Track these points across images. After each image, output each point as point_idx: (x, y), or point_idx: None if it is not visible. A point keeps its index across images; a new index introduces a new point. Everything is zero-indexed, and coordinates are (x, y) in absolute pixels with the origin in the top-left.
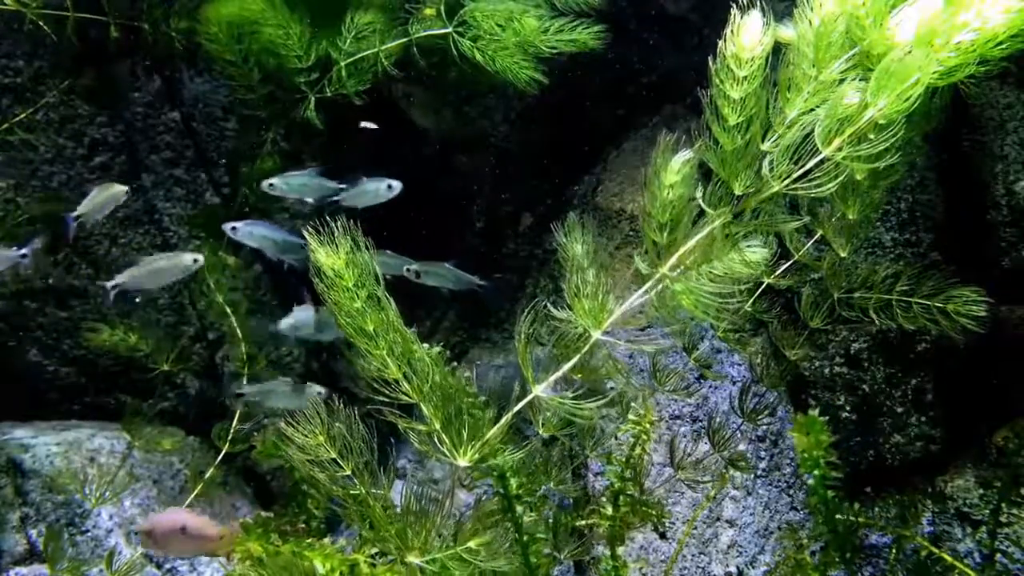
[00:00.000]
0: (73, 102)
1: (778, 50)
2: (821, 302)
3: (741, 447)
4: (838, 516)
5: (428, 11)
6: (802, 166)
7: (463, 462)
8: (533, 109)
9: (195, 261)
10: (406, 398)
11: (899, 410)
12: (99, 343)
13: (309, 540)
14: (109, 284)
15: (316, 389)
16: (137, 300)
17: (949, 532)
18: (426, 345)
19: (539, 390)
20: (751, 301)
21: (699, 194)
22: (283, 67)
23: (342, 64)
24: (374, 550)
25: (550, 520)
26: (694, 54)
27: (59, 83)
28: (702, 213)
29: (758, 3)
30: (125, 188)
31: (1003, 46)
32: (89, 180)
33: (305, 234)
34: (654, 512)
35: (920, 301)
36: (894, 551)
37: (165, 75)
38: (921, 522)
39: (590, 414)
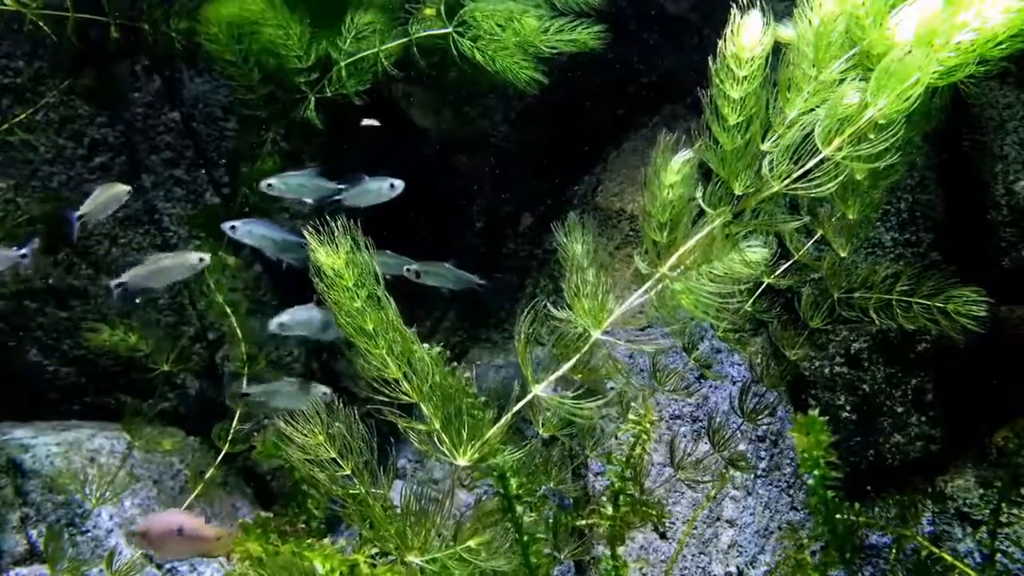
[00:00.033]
0: (73, 102)
1: (778, 50)
2: (821, 302)
3: (741, 447)
4: (838, 516)
5: (428, 11)
6: (802, 166)
7: (463, 462)
8: (533, 109)
9: (200, 260)
10: (406, 398)
11: (899, 410)
12: (99, 343)
13: (309, 540)
14: (114, 283)
15: (321, 389)
16: (137, 300)
17: (949, 532)
18: (426, 345)
19: (539, 390)
20: (751, 301)
21: (699, 194)
22: (283, 67)
23: (342, 64)
24: (374, 550)
25: (550, 520)
26: (694, 54)
27: (59, 83)
28: (702, 213)
29: (758, 3)
30: (128, 188)
31: (1003, 46)
32: (89, 180)
33: (305, 234)
34: (654, 512)
35: (920, 301)
36: (894, 551)
37: (165, 75)
38: (921, 522)
39: (590, 414)
